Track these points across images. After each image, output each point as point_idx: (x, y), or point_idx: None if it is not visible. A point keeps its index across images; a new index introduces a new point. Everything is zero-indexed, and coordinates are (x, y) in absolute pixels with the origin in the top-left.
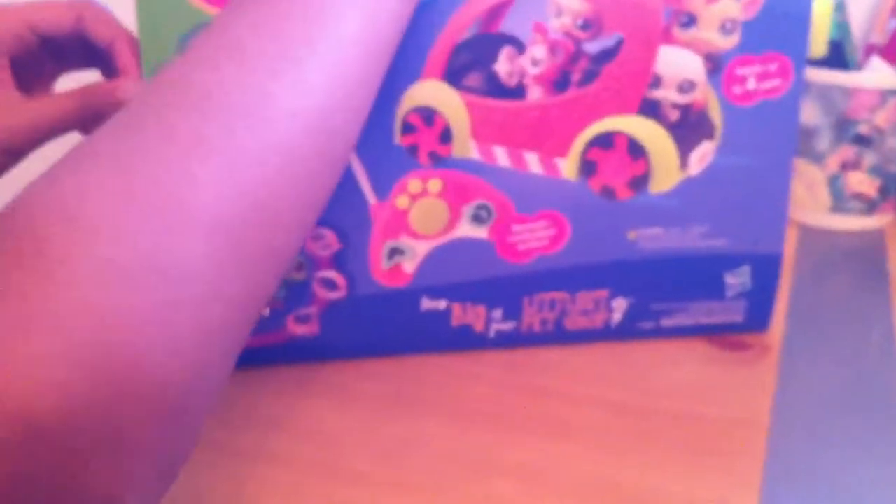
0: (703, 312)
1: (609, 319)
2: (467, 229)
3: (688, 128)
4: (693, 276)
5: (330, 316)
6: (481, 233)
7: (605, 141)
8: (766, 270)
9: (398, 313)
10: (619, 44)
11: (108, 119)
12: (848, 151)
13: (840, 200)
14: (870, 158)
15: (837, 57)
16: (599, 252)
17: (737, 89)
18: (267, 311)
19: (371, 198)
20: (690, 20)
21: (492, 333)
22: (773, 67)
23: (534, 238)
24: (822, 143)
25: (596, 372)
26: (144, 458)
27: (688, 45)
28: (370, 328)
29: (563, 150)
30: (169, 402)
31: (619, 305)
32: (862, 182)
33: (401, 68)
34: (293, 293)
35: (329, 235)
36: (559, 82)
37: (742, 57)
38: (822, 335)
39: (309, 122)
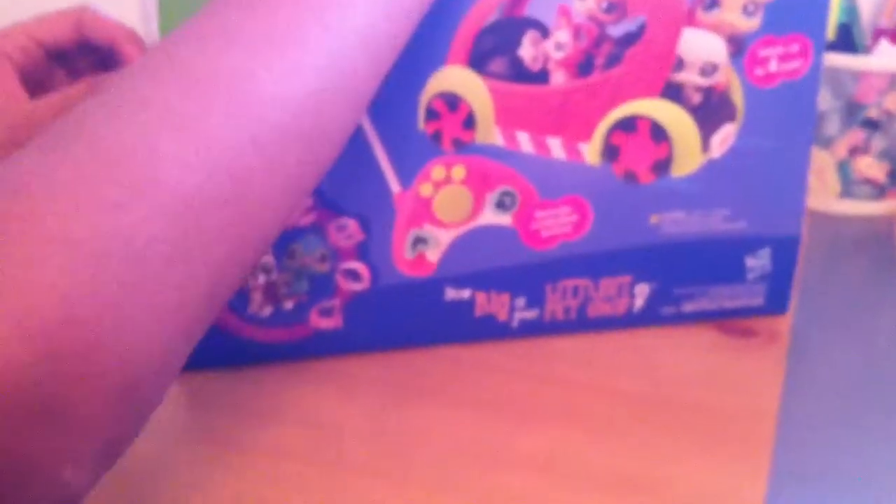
0: (724, 296)
1: (631, 305)
2: (491, 216)
3: (710, 110)
4: (714, 260)
5: (353, 308)
6: (505, 220)
7: (627, 125)
8: (786, 253)
9: (422, 304)
10: (643, 27)
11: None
12: (857, 136)
13: (849, 185)
14: (879, 143)
15: (846, 41)
16: (622, 237)
17: (759, 71)
18: (290, 305)
19: (395, 186)
20: (713, 2)
21: (515, 323)
22: (794, 48)
23: (557, 224)
24: (831, 127)
25: (604, 360)
26: (89, 435)
27: (711, 27)
28: (394, 320)
29: (586, 135)
30: (118, 381)
31: (642, 291)
32: (871, 167)
33: (425, 54)
34: (317, 286)
35: (352, 225)
36: (583, 66)
37: (765, 38)
38: (832, 321)
39: (295, 107)
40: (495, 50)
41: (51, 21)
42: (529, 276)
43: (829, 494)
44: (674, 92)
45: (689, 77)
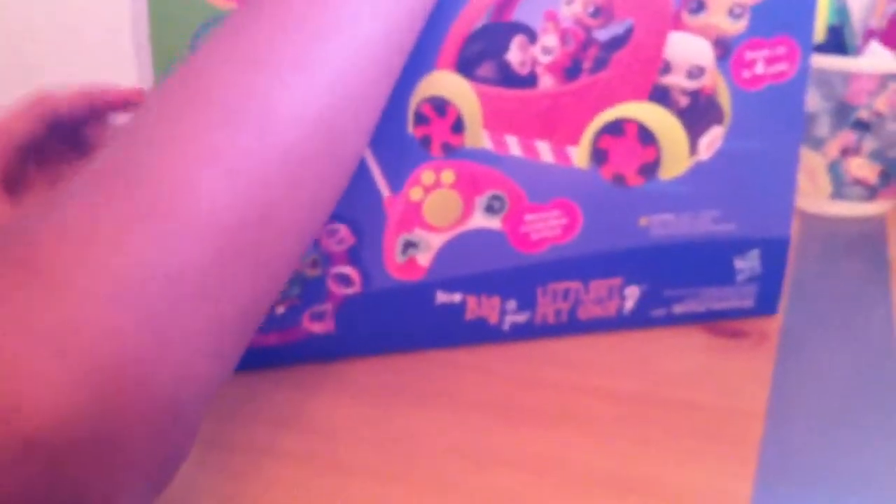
0: (714, 298)
1: (622, 307)
2: (481, 220)
3: (697, 113)
4: (704, 262)
5: (345, 312)
6: (494, 223)
7: (615, 128)
8: (775, 254)
9: (413, 308)
10: (629, 31)
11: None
12: (848, 137)
13: (840, 187)
14: (870, 144)
15: (837, 42)
16: (612, 240)
17: (745, 73)
18: (282, 309)
19: (385, 191)
20: (700, 5)
21: (506, 326)
22: (781, 51)
23: (546, 227)
24: (822, 128)
25: (594, 362)
26: (138, 468)
27: (697, 30)
28: (385, 324)
29: (574, 139)
30: (164, 413)
31: (632, 293)
32: (862, 168)
33: (413, 59)
34: (308, 290)
35: (343, 230)
36: (570, 70)
37: (751, 41)
38: (822, 322)
39: (315, 126)
40: (483, 54)
41: (23, 120)
42: (520, 279)
43: (816, 494)
44: (661, 95)
45: (676, 80)
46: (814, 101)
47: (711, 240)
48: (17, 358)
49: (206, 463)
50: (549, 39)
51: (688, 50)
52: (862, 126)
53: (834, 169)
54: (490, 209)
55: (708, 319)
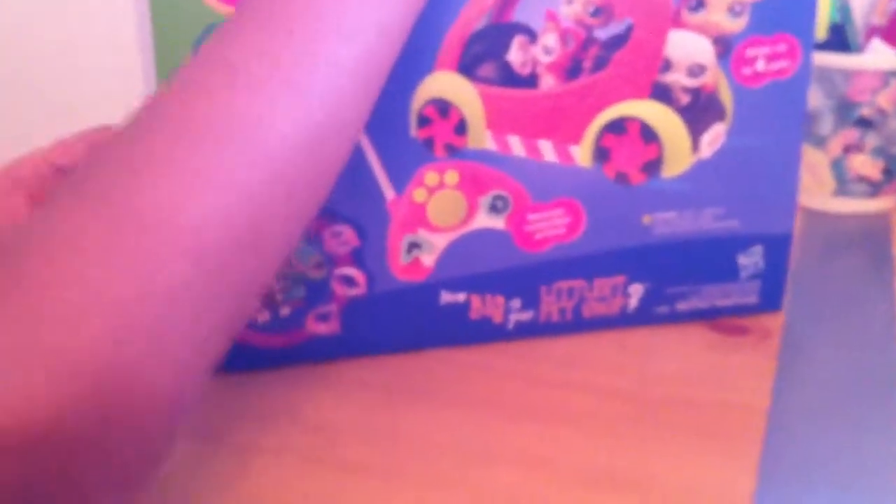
0: (717, 295)
1: (626, 305)
2: (484, 220)
3: (699, 111)
4: (707, 259)
5: (350, 313)
6: (498, 223)
7: (617, 127)
8: (778, 250)
9: (418, 308)
10: (630, 29)
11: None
12: (850, 134)
13: (843, 184)
14: (872, 141)
15: (838, 39)
16: (615, 238)
17: (746, 71)
18: (287, 311)
19: (388, 192)
20: (699, 4)
21: (511, 325)
22: (781, 48)
23: (550, 226)
24: (825, 126)
25: (595, 359)
26: (129, 464)
27: (697, 28)
28: (390, 325)
29: (576, 138)
30: (154, 414)
31: (636, 291)
32: (865, 164)
33: (414, 61)
34: (313, 292)
35: (347, 232)
36: (571, 70)
37: (751, 38)
38: (824, 319)
39: (302, 148)
40: (484, 55)
41: (67, 145)
42: (524, 278)
43: (819, 490)
44: (662, 93)
45: (677, 78)
46: (816, 98)
47: (714, 237)
48: (6, 370)
49: (211, 461)
50: (550, 39)
51: (688, 48)
52: (864, 123)
53: (837, 166)
54: (494, 209)
55: (712, 316)
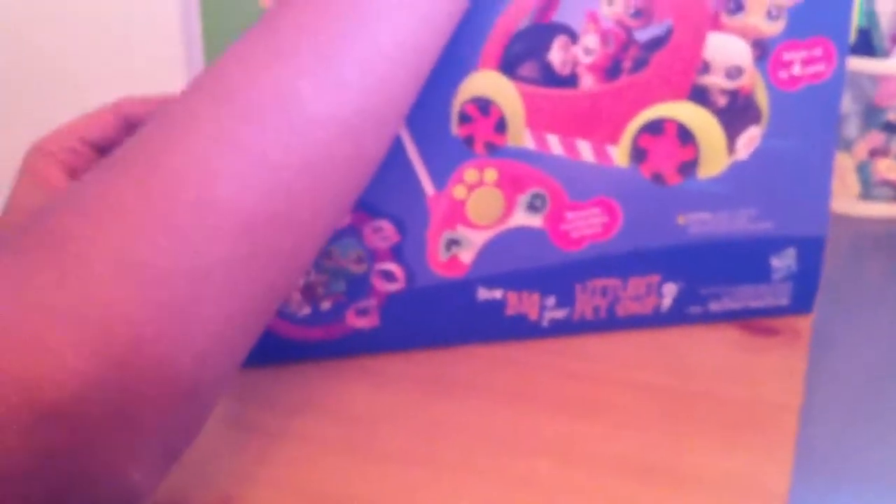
0: (750, 296)
1: (659, 305)
2: (522, 218)
3: (735, 113)
4: (740, 260)
5: (389, 308)
6: (535, 221)
7: (655, 127)
8: (811, 253)
9: (455, 304)
10: (669, 31)
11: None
12: (876, 138)
13: (869, 187)
14: None
15: (865, 44)
16: (650, 238)
17: (783, 74)
18: (328, 305)
19: (429, 188)
20: (738, 7)
21: (545, 322)
22: (817, 52)
23: (586, 225)
24: (851, 130)
25: (627, 356)
26: (153, 439)
27: (736, 31)
28: (428, 320)
29: (614, 138)
30: (179, 390)
31: (669, 290)
32: (891, 169)
33: (457, 59)
34: (353, 286)
35: (388, 227)
36: (611, 70)
37: (788, 42)
38: (852, 321)
39: (339, 126)
40: (526, 55)
41: (95, 117)
42: (559, 276)
43: (851, 486)
44: (700, 95)
45: (715, 80)
46: (843, 102)
47: (748, 238)
48: (37, 334)
49: (250, 450)
50: (590, 40)
51: (726, 50)
52: (891, 128)
53: (862, 170)
54: (532, 207)
55: (743, 317)
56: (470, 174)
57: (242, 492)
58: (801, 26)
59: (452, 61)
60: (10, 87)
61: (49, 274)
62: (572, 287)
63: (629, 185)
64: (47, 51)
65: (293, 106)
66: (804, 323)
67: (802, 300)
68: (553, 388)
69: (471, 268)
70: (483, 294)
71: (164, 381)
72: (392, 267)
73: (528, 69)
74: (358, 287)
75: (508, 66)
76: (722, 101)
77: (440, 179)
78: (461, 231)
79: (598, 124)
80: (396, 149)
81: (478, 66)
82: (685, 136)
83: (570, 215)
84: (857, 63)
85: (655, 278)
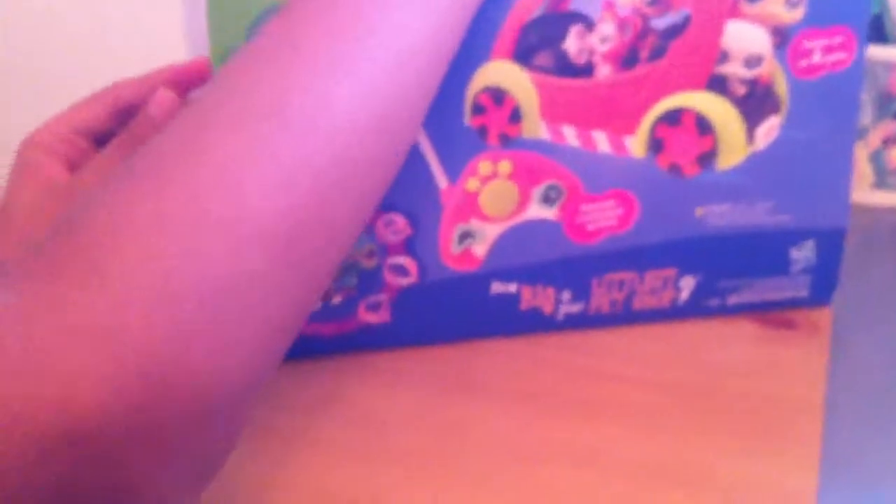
0: (769, 288)
1: (676, 298)
2: (537, 211)
3: (754, 102)
4: (759, 252)
5: (401, 303)
6: (550, 214)
7: (672, 118)
8: (830, 244)
9: (469, 298)
10: (687, 19)
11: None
12: (890, 127)
13: (882, 176)
14: None
15: (877, 31)
16: (667, 230)
17: (802, 63)
18: (339, 300)
19: (442, 181)
20: None
21: (560, 316)
22: (837, 40)
23: (602, 218)
24: (864, 118)
25: (644, 352)
26: (186, 459)
27: (755, 19)
28: (441, 314)
29: (631, 128)
30: (211, 408)
31: (687, 284)
32: None
33: (470, 49)
34: (364, 281)
35: (399, 220)
36: (627, 59)
37: (808, 30)
38: (870, 313)
39: (367, 129)
40: (540, 44)
41: (86, 106)
42: (575, 269)
43: (881, 485)
44: (718, 84)
45: (734, 69)
46: None
47: (767, 230)
48: (64, 353)
49: (258, 448)
50: (607, 28)
51: (745, 39)
52: None
53: (876, 158)
54: (546, 199)
55: (762, 310)
56: (483, 166)
57: (254, 492)
58: (821, 14)
59: (466, 50)
60: (10, 86)
61: (77, 294)
62: (588, 281)
63: (646, 176)
64: (50, 49)
65: (325, 113)
66: (822, 315)
67: (822, 292)
68: (569, 386)
69: (484, 261)
70: (497, 288)
71: (192, 400)
72: (404, 261)
73: (542, 58)
74: (369, 281)
75: (523, 56)
76: (741, 90)
77: (453, 172)
78: (474, 224)
79: (614, 114)
80: None
81: (491, 55)
82: (703, 126)
83: (585, 207)
84: (870, 50)
85: (672, 271)
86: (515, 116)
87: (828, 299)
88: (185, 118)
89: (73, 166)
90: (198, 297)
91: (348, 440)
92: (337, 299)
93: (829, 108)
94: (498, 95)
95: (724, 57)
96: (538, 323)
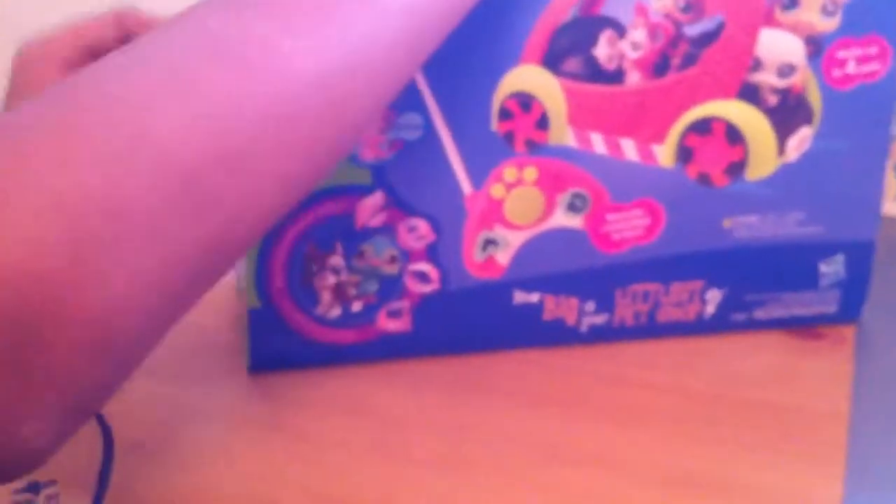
0: (796, 303)
1: (702, 312)
2: (562, 219)
3: (786, 113)
4: (787, 266)
5: (422, 311)
6: (576, 222)
7: (702, 127)
8: (860, 258)
9: (491, 307)
10: (720, 27)
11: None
12: None
13: None
14: None
15: None
16: (694, 241)
17: (836, 73)
18: (359, 306)
19: (466, 187)
20: (792, 2)
21: (584, 327)
22: (872, 50)
23: (629, 227)
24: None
25: (671, 361)
26: (52, 388)
27: (789, 27)
28: (462, 323)
29: (659, 137)
30: (87, 336)
31: (713, 297)
32: None
33: (499, 53)
34: (386, 287)
35: (423, 226)
36: (658, 66)
37: (843, 39)
38: (890, 324)
39: (317, 83)
40: (570, 49)
41: (94, 23)
42: (599, 280)
43: None
44: (750, 93)
45: (766, 78)
46: None
47: (796, 243)
48: None
49: (279, 453)
50: (638, 34)
51: (779, 47)
52: None
53: None
54: (572, 207)
55: (789, 325)
56: (509, 172)
57: (272, 494)
58: (856, 23)
59: (494, 55)
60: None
61: None
62: (612, 291)
63: (674, 186)
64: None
65: (267, 58)
66: (848, 326)
67: (851, 308)
68: (591, 394)
69: (507, 269)
70: (519, 297)
71: (68, 325)
72: (426, 267)
73: (572, 64)
74: (390, 288)
75: (552, 61)
76: (773, 99)
77: (478, 177)
78: (498, 231)
79: (643, 122)
80: (433, 145)
81: (520, 60)
82: (734, 136)
83: (611, 217)
84: None
85: (699, 284)
86: (543, 123)
87: (857, 315)
88: (136, 46)
89: None
90: (83, 215)
91: (366, 443)
92: (357, 306)
93: (861, 119)
94: (526, 101)
95: (756, 65)
96: (561, 334)
